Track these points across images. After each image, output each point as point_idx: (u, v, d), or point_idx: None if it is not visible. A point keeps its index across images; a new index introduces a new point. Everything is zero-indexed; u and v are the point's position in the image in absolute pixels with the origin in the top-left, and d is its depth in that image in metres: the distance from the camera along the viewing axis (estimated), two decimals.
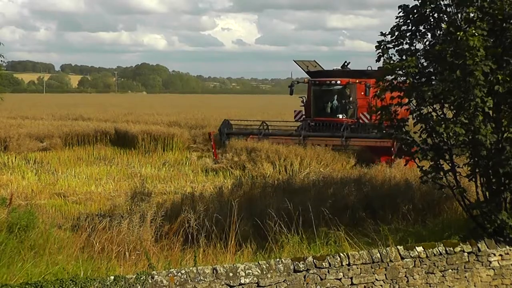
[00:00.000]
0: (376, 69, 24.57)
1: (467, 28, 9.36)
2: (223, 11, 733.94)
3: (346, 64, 28.68)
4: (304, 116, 27.21)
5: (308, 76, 28.35)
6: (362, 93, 25.26)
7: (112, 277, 7.23)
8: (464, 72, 9.21)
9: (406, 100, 10.33)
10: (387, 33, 10.38)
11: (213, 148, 26.22)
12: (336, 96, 26.61)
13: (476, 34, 9.04)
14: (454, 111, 9.78)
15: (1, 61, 13.71)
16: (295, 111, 28.05)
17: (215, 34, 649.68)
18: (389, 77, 10.50)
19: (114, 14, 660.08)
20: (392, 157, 21.22)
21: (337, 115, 26.33)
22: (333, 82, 26.55)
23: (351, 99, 26.35)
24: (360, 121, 25.47)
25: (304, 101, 27.52)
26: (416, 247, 9.06)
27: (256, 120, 29.40)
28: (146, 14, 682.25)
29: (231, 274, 7.68)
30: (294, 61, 28.67)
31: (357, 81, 25.80)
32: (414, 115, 10.40)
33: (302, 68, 28.46)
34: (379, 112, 10.52)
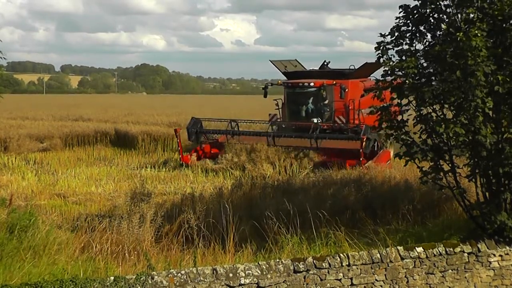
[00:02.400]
0: (357, 67, 24.37)
1: (467, 29, 9.37)
2: (222, 12, 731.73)
3: (326, 64, 27.20)
4: (279, 120, 25.76)
5: (285, 77, 26.71)
6: (338, 95, 23.79)
7: (112, 278, 7.24)
8: (464, 72, 9.21)
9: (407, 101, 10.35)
10: (386, 34, 10.38)
11: (179, 147, 24.54)
12: (311, 98, 24.59)
13: (479, 35, 9.04)
14: (454, 111, 9.78)
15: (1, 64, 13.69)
16: (269, 114, 26.49)
17: (214, 34, 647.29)
18: (387, 78, 10.51)
19: (112, 15, 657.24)
20: (361, 159, 20.24)
21: (312, 119, 24.25)
22: (306, 84, 24.59)
23: (326, 101, 24.55)
24: (336, 124, 24.09)
25: (279, 104, 25.95)
26: (416, 248, 9.06)
27: (226, 120, 26.72)
28: (144, 15, 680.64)
29: (231, 275, 7.68)
30: (271, 61, 26.93)
31: (333, 82, 24.26)
32: (414, 115, 10.42)
33: (279, 69, 26.71)
34: (379, 113, 10.52)
